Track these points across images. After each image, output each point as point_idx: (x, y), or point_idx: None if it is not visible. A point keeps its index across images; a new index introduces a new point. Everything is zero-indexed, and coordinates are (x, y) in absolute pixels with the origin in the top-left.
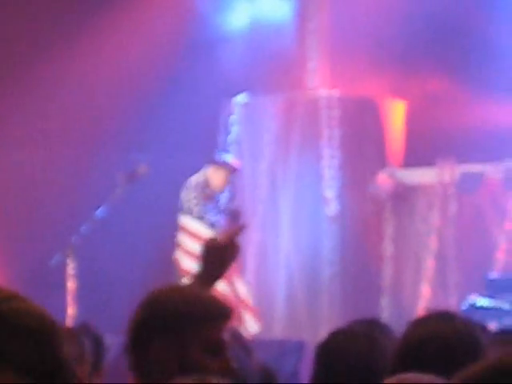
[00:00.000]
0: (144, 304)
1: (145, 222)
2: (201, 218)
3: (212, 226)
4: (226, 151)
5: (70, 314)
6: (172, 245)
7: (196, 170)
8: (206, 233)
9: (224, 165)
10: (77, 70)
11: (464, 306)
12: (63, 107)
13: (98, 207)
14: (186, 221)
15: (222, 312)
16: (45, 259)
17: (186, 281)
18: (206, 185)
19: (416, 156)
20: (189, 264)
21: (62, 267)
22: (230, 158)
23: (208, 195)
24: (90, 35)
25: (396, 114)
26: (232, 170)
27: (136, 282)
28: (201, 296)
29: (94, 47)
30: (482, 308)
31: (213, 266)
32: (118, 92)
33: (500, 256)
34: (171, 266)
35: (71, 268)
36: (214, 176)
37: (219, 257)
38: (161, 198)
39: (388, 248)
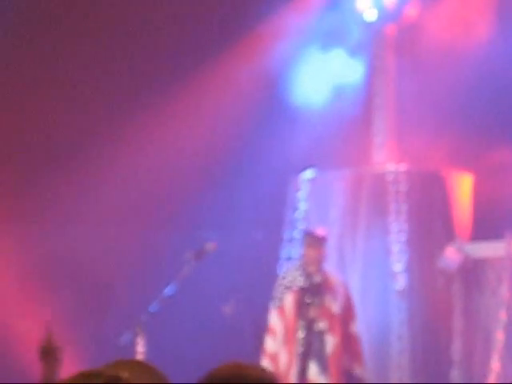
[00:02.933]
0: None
1: (214, 300)
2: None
3: None
4: (295, 228)
5: None
6: (242, 323)
7: (264, 246)
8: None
9: (315, 237)
10: (143, 145)
11: None
12: (133, 184)
13: (167, 285)
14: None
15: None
16: (115, 338)
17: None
18: (304, 264)
19: (484, 229)
20: (271, 347)
21: (132, 345)
22: (317, 229)
23: (309, 273)
24: (159, 108)
25: (463, 187)
26: (324, 241)
27: (205, 360)
28: (259, 375)
29: (162, 121)
30: None
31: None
32: (185, 168)
33: None
34: (237, 345)
35: (140, 346)
36: (309, 252)
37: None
38: (229, 275)
39: (457, 322)
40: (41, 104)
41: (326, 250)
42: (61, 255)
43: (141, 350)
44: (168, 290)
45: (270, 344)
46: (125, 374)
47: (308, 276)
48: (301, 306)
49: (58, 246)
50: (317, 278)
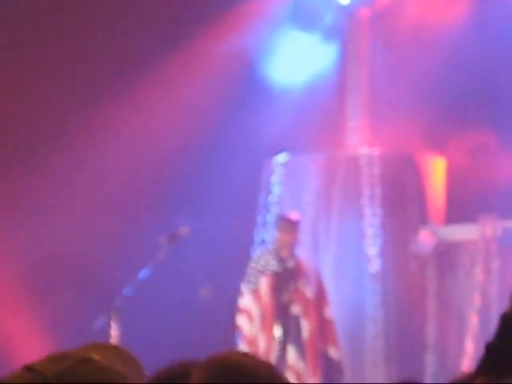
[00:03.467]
0: (207, 370)
1: (186, 284)
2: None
3: None
4: (268, 212)
5: None
6: (214, 306)
7: (237, 231)
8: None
9: (288, 221)
10: (118, 132)
11: None
12: (105, 171)
13: (142, 269)
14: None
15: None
16: (89, 323)
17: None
18: (277, 249)
19: (457, 212)
20: (249, 331)
21: (106, 329)
22: (290, 213)
23: (282, 257)
24: (131, 98)
25: (436, 171)
26: (297, 225)
27: (178, 344)
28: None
29: (134, 108)
30: None
31: None
32: (159, 154)
33: None
34: (213, 328)
35: (114, 330)
36: (282, 237)
37: None
38: (202, 259)
39: (431, 305)
40: (17, 93)
41: (299, 234)
42: (36, 242)
43: (115, 334)
44: (143, 274)
45: (247, 327)
46: (97, 356)
47: (281, 260)
48: (276, 291)
49: (32, 233)
50: (290, 263)
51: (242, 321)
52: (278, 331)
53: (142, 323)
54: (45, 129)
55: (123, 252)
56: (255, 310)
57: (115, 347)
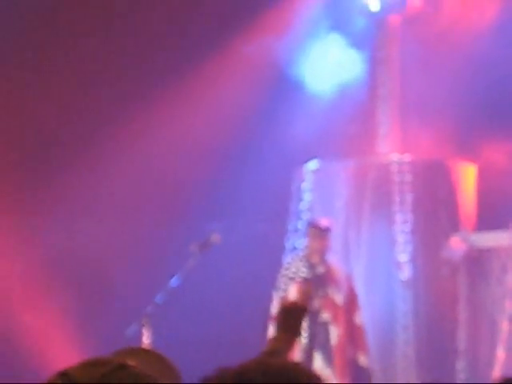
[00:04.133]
0: (231, 379)
1: (218, 291)
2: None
3: None
4: (300, 219)
5: None
6: (246, 313)
7: (268, 238)
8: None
9: (319, 228)
10: (148, 139)
11: None
12: (135, 179)
13: (173, 277)
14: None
15: (311, 380)
16: (122, 331)
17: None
18: (308, 255)
19: (488, 219)
20: None
21: (138, 337)
22: (320, 220)
23: (312, 264)
24: (161, 105)
25: (467, 177)
26: (327, 232)
27: (210, 351)
28: (288, 366)
29: (164, 114)
30: None
31: (290, 328)
32: (189, 162)
33: None
34: (246, 336)
35: (146, 337)
36: (312, 243)
37: (295, 318)
38: (234, 267)
39: (463, 311)
40: (47, 98)
41: (330, 240)
42: (67, 250)
43: (147, 342)
44: (173, 282)
45: None
46: (132, 362)
47: (311, 267)
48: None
49: (64, 241)
50: (320, 269)
51: (272, 328)
52: (305, 338)
53: (173, 330)
54: (69, 135)
55: (154, 259)
56: None
57: (150, 352)
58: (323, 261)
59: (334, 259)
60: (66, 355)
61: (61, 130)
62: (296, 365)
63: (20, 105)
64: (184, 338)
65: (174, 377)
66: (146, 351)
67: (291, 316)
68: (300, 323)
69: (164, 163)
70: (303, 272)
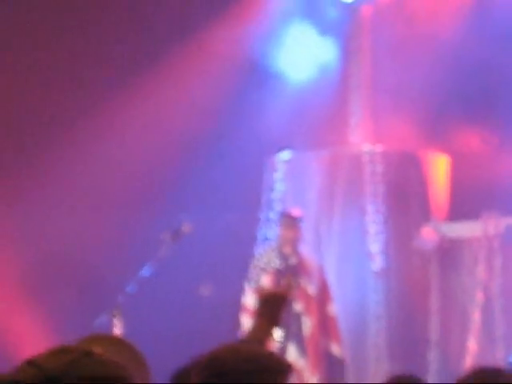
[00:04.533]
0: (204, 364)
1: (189, 281)
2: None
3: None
4: (271, 209)
5: None
6: (217, 304)
7: (240, 229)
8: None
9: (291, 217)
10: (120, 127)
11: (511, 359)
12: (105, 167)
13: (144, 266)
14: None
15: (281, 367)
16: (90, 320)
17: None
18: (280, 246)
19: (460, 209)
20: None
21: (108, 327)
22: (292, 210)
23: (285, 254)
24: (136, 92)
25: (439, 168)
26: (299, 222)
27: (183, 341)
28: (260, 352)
29: (136, 103)
30: None
31: (269, 317)
32: (162, 151)
33: None
34: (216, 326)
35: (117, 328)
36: (284, 233)
37: (275, 307)
38: (204, 257)
39: (434, 302)
40: (23, 80)
41: (302, 231)
42: (37, 239)
43: (117, 332)
44: (145, 271)
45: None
46: (98, 349)
47: (284, 257)
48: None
49: (35, 230)
50: (293, 260)
51: (244, 319)
52: (277, 329)
53: (144, 320)
54: (47, 123)
55: (125, 248)
56: None
57: (117, 339)
58: (295, 251)
59: (306, 250)
60: (34, 345)
61: (36, 117)
62: (268, 352)
63: None
64: (155, 328)
65: (142, 366)
66: (113, 339)
67: (271, 305)
68: (280, 312)
69: (137, 151)
70: (275, 263)
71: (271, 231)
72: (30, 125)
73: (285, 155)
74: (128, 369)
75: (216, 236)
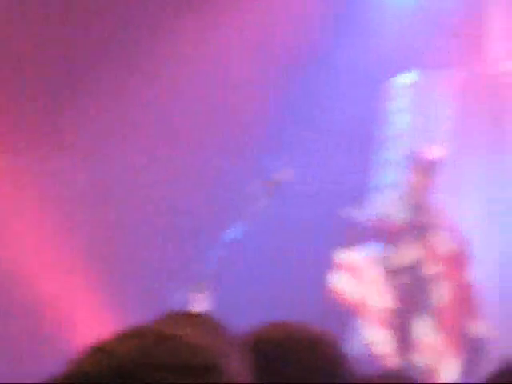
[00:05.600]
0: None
1: (291, 243)
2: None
3: None
4: (389, 148)
5: None
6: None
7: (348, 175)
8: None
9: (425, 161)
10: (197, 54)
11: None
12: (170, 102)
13: (231, 226)
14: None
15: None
16: (166, 297)
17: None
18: (407, 195)
19: None
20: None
21: (188, 305)
22: (427, 150)
23: (413, 205)
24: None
25: None
26: (437, 166)
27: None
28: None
29: (212, 28)
30: None
31: None
32: (249, 80)
33: None
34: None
35: (202, 304)
36: (415, 180)
37: None
38: (307, 211)
39: None
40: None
41: (438, 177)
42: (91, 188)
43: (202, 310)
44: (232, 233)
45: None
46: (181, 331)
47: (414, 209)
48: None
49: (88, 177)
50: (423, 212)
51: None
52: (397, 299)
53: (235, 293)
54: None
55: (205, 206)
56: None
57: (204, 318)
58: (427, 201)
59: (441, 200)
60: (96, 322)
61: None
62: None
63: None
64: (248, 304)
65: (235, 351)
66: (198, 317)
67: None
68: None
69: (211, 80)
70: (402, 216)
71: (390, 176)
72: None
73: (408, 78)
74: (220, 354)
75: (320, 185)
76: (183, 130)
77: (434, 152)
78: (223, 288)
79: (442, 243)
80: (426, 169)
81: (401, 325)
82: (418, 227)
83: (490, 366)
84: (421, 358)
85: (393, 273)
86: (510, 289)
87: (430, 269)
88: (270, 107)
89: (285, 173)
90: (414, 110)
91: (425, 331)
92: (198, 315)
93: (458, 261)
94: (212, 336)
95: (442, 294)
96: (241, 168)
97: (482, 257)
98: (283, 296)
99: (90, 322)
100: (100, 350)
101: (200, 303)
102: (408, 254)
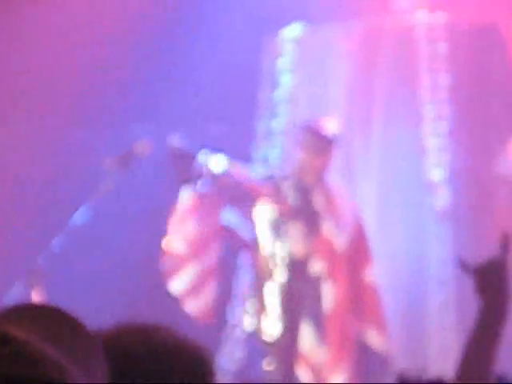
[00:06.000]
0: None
1: (146, 226)
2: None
3: None
4: (274, 115)
5: None
6: None
7: (227, 146)
8: None
9: (320, 137)
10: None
11: None
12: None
13: (76, 210)
14: None
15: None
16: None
17: None
18: (298, 175)
19: None
20: None
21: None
22: (322, 123)
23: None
24: None
25: None
26: (333, 143)
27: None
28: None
29: None
30: None
31: None
32: (99, 37)
33: None
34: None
35: (37, 299)
36: (307, 158)
37: None
38: (171, 188)
39: None
40: None
41: (333, 154)
42: None
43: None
44: (79, 217)
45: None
46: (17, 331)
47: (302, 191)
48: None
49: None
50: (315, 197)
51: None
52: (282, 300)
53: (74, 289)
54: None
55: (51, 182)
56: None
57: (49, 311)
58: (321, 183)
59: (336, 183)
60: None
61: None
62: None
63: None
64: (92, 299)
65: (89, 347)
66: (40, 310)
67: None
68: None
69: (65, 39)
70: (289, 198)
71: (274, 150)
72: None
73: (293, 31)
74: (63, 362)
75: None
76: (32, 93)
77: (329, 125)
78: (65, 280)
79: (336, 235)
80: (320, 146)
81: (285, 331)
82: (307, 214)
83: (387, 379)
84: (305, 374)
85: (276, 267)
86: (414, 288)
87: (320, 265)
88: (135, 68)
89: (142, 144)
90: (302, 70)
91: (310, 342)
92: (40, 308)
93: (354, 256)
94: (58, 333)
95: (332, 295)
96: (91, 139)
97: (381, 252)
98: (134, 290)
99: None
100: None
101: (39, 296)
102: (295, 246)
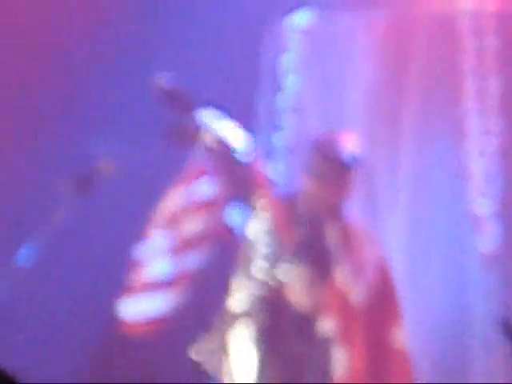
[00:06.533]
0: None
1: (106, 257)
2: None
3: None
4: (278, 129)
5: None
6: None
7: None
8: None
9: (339, 161)
10: None
11: None
12: None
13: (25, 245)
14: None
15: None
16: None
17: None
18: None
19: None
20: None
21: None
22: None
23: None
24: None
25: None
26: (354, 167)
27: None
28: None
29: None
30: None
31: None
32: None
33: None
34: None
35: None
36: (319, 188)
37: None
38: (136, 216)
39: None
40: None
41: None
42: None
43: None
44: (25, 253)
45: None
46: None
47: (311, 225)
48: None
49: None
50: (328, 232)
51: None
52: (282, 364)
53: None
54: None
55: None
56: None
57: None
58: (335, 217)
59: (355, 215)
60: None
61: None
62: None
63: None
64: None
65: None
66: None
67: None
68: None
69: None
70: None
71: (278, 168)
72: None
73: (301, 19)
74: None
75: (158, 175)
76: None
77: (346, 143)
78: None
79: (353, 284)
80: (334, 171)
81: None
82: (316, 255)
83: None
84: None
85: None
86: (451, 355)
87: (330, 324)
88: (93, 69)
89: (106, 164)
90: (311, 70)
91: None
92: None
93: (375, 313)
94: None
95: (345, 364)
96: (46, 157)
97: (412, 308)
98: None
99: None
100: None
101: None
102: (297, 296)
